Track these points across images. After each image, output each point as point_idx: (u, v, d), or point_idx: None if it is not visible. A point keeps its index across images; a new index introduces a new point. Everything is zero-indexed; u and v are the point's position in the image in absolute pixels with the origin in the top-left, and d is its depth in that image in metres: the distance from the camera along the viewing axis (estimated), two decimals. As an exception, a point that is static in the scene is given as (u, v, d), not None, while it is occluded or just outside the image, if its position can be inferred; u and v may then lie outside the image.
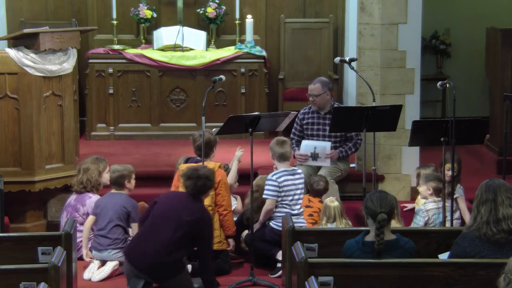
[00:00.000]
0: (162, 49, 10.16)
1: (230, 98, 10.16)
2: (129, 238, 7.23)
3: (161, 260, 6.19)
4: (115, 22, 10.25)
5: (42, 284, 5.06)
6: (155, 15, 10.41)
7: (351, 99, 9.99)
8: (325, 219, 7.26)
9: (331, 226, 7.18)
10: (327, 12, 10.71)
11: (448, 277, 5.35)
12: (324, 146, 7.99)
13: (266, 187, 7.15)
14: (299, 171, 7.34)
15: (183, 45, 10.12)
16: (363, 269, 5.36)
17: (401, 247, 5.47)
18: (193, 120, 10.09)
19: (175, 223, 6.26)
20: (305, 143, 8.08)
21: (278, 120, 7.32)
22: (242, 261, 7.43)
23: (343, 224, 7.20)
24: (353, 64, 7.91)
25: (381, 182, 8.40)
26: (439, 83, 7.11)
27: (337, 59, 8.00)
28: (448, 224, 7.04)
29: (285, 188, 7.14)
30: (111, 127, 10.07)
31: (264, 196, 7.17)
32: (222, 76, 7.42)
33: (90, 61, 10.06)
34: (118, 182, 7.38)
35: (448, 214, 7.04)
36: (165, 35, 10.22)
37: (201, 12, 10.41)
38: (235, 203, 7.73)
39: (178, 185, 7.12)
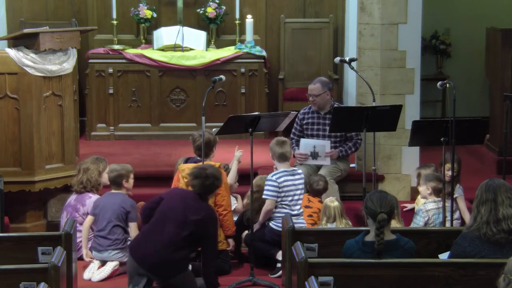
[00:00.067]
0: (162, 49, 10.16)
1: (230, 98, 10.16)
2: (129, 238, 7.23)
3: (166, 258, 6.19)
4: (115, 22, 10.25)
5: (42, 284, 5.06)
6: (155, 15, 10.41)
7: (351, 99, 9.99)
8: (325, 219, 7.25)
9: (331, 226, 7.18)
10: (327, 12, 10.71)
11: (448, 277, 5.35)
12: (323, 144, 7.99)
13: (266, 187, 7.15)
14: (299, 171, 7.34)
15: (183, 45, 10.12)
16: (363, 269, 5.36)
17: (401, 247, 5.47)
18: (193, 120, 10.09)
19: (180, 222, 6.25)
20: (304, 141, 8.08)
21: (278, 120, 7.32)
22: (236, 262, 7.42)
23: (343, 224, 7.20)
24: (353, 64, 7.91)
25: (381, 182, 8.40)
26: (439, 83, 7.11)
27: (337, 59, 8.00)
28: (448, 224, 7.04)
29: (285, 189, 7.13)
30: (111, 127, 10.07)
31: (263, 196, 7.17)
32: (222, 76, 7.42)
33: (90, 61, 10.06)
34: (116, 181, 7.38)
35: (448, 214, 7.04)
36: (165, 35, 10.22)
37: (201, 12, 10.41)
38: (235, 203, 7.72)
39: (178, 186, 7.12)
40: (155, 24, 10.48)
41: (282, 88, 10.40)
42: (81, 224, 7.39)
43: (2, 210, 7.45)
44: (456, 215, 7.42)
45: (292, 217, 6.56)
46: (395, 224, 6.79)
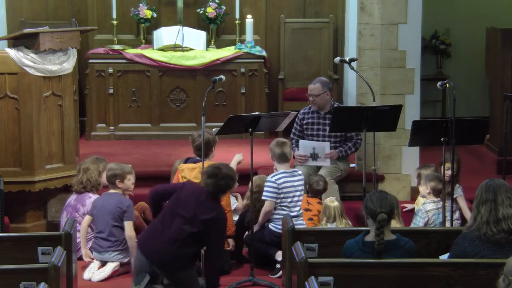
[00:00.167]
0: (162, 49, 10.16)
1: (230, 98, 10.16)
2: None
3: (174, 252, 6.19)
4: (115, 22, 10.25)
5: (42, 284, 5.06)
6: (155, 15, 10.41)
7: (351, 99, 9.99)
8: (325, 219, 7.25)
9: (331, 226, 7.18)
10: (327, 12, 10.71)
11: (448, 277, 5.35)
12: (323, 146, 7.98)
13: (265, 188, 7.14)
14: (299, 172, 7.34)
15: (183, 45, 10.12)
16: (363, 269, 5.36)
17: (401, 247, 5.47)
18: (193, 120, 10.09)
19: (190, 219, 6.24)
20: (303, 143, 8.07)
21: (278, 120, 7.31)
22: (236, 261, 7.41)
23: (343, 224, 7.20)
24: (353, 64, 7.91)
25: (381, 182, 8.40)
26: (439, 83, 7.11)
27: (337, 59, 7.99)
28: (448, 224, 7.05)
29: (284, 190, 7.13)
30: (111, 127, 10.07)
31: (263, 197, 7.16)
32: (222, 76, 7.41)
33: (90, 61, 10.06)
34: (110, 180, 7.38)
35: (448, 214, 7.04)
36: (165, 35, 10.22)
37: (201, 12, 10.41)
38: (235, 202, 7.72)
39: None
40: (155, 24, 10.48)
41: (282, 88, 10.40)
42: (81, 224, 7.39)
43: (2, 210, 7.45)
44: (456, 215, 7.42)
45: (292, 219, 6.55)
46: (395, 224, 6.79)
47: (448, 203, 7.06)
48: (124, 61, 10.07)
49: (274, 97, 10.38)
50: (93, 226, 7.37)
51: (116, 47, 10.18)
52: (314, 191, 7.66)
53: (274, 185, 7.10)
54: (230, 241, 7.31)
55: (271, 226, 7.18)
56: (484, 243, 5.33)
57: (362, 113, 7.22)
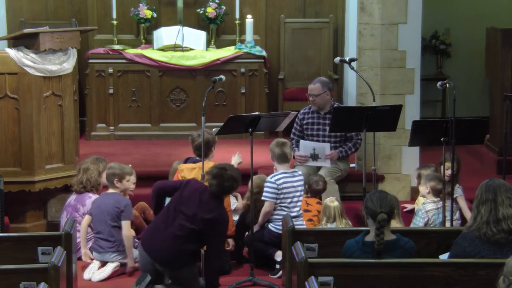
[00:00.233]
0: (162, 49, 10.16)
1: (230, 98, 10.16)
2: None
3: (175, 249, 6.21)
4: (115, 22, 10.25)
5: (42, 284, 5.06)
6: (155, 15, 10.41)
7: (351, 99, 9.99)
8: (325, 219, 7.25)
9: (331, 226, 7.18)
10: (327, 12, 10.71)
11: (448, 277, 5.35)
12: (323, 146, 7.98)
13: (265, 189, 7.14)
14: (299, 173, 7.33)
15: (183, 45, 10.12)
16: (363, 269, 5.36)
17: (401, 247, 5.47)
18: (193, 120, 10.09)
19: (191, 217, 6.25)
20: (303, 143, 8.07)
21: (278, 120, 7.31)
22: (236, 262, 7.41)
23: (343, 224, 7.20)
24: (353, 64, 7.90)
25: (381, 182, 8.40)
26: (439, 83, 7.11)
27: (337, 59, 7.99)
28: (448, 224, 7.05)
29: (284, 190, 7.13)
30: (111, 127, 10.07)
31: (262, 198, 7.16)
32: (222, 76, 7.41)
33: (90, 61, 10.06)
34: (108, 179, 7.39)
35: (448, 214, 7.04)
36: (165, 35, 10.22)
37: (201, 12, 10.41)
38: (235, 202, 7.72)
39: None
40: (155, 24, 10.48)
41: (282, 88, 10.40)
42: (81, 224, 7.39)
43: (2, 210, 7.45)
44: (456, 215, 7.42)
45: (292, 219, 6.55)
46: (395, 224, 6.79)
47: (448, 203, 7.06)
48: (124, 61, 10.07)
49: (274, 97, 10.38)
50: (92, 225, 7.37)
51: (116, 47, 10.18)
52: (314, 191, 7.66)
53: (274, 185, 7.10)
54: (230, 241, 7.30)
55: (270, 226, 7.18)
56: (484, 243, 5.33)
57: (362, 113, 7.22)
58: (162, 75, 10.10)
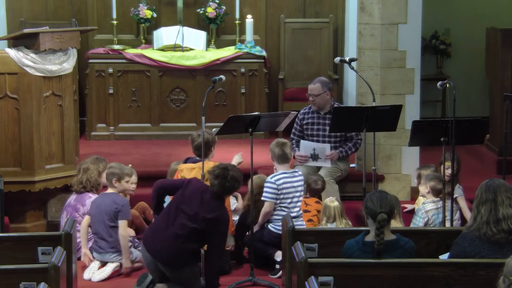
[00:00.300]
0: (162, 49, 10.16)
1: (230, 98, 10.16)
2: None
3: (177, 248, 6.22)
4: (115, 22, 10.26)
5: (42, 284, 5.06)
6: (155, 15, 10.41)
7: (351, 99, 9.99)
8: (325, 219, 7.25)
9: (331, 226, 7.18)
10: (327, 12, 10.71)
11: (448, 277, 5.35)
12: (323, 147, 7.98)
13: (265, 189, 7.14)
14: (299, 173, 7.33)
15: (183, 45, 10.12)
16: (363, 269, 5.36)
17: (401, 247, 5.47)
18: (193, 120, 10.09)
19: (192, 217, 6.26)
20: (303, 143, 8.07)
21: (278, 120, 7.31)
22: (236, 262, 7.41)
23: (343, 224, 7.20)
24: (353, 64, 7.90)
25: (381, 182, 8.40)
26: (439, 83, 7.11)
27: (337, 59, 7.99)
28: (448, 224, 7.04)
29: (284, 191, 7.12)
30: (111, 127, 10.07)
31: (262, 198, 7.16)
32: (222, 76, 7.41)
33: (90, 61, 10.06)
34: (107, 178, 7.39)
35: (448, 214, 7.04)
36: (165, 35, 10.22)
37: (201, 12, 10.41)
38: (235, 202, 7.72)
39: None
40: (155, 24, 10.48)
41: (282, 88, 10.40)
42: (81, 224, 7.38)
43: (2, 210, 7.45)
44: (456, 215, 7.42)
45: (292, 219, 6.55)
46: (395, 224, 6.79)
47: (448, 203, 7.06)
48: (124, 61, 10.07)
49: (274, 97, 10.38)
50: (92, 225, 7.36)
51: (116, 47, 10.18)
52: (313, 190, 7.66)
53: (274, 185, 7.10)
54: (231, 240, 7.30)
55: (270, 226, 7.18)
56: (484, 243, 5.33)
57: (362, 113, 7.22)
58: (162, 75, 10.10)
